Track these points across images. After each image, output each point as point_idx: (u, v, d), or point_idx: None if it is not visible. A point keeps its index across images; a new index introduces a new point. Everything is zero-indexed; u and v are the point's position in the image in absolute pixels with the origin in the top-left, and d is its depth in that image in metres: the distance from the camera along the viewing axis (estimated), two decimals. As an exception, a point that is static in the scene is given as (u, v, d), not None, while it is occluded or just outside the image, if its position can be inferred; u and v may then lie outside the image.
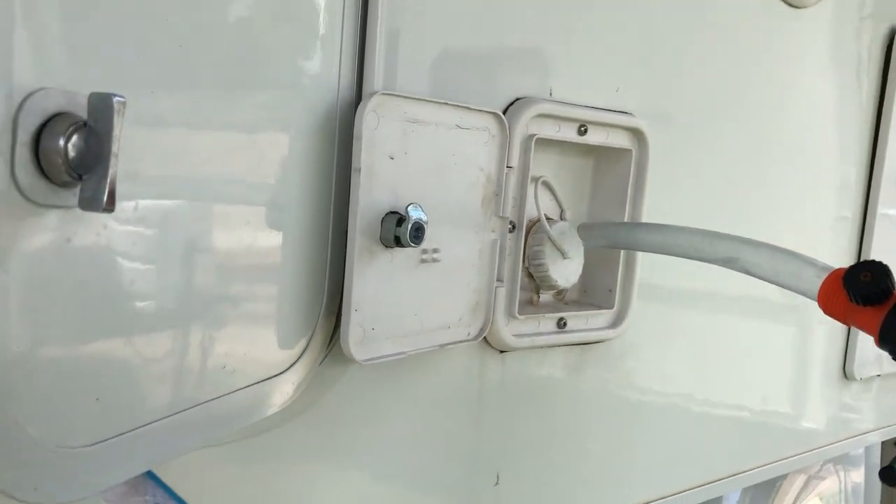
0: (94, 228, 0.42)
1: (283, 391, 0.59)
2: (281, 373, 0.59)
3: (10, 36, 0.37)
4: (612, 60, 0.84)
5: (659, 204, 0.87)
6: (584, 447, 0.88)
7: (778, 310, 1.15)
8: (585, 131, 0.81)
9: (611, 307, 0.86)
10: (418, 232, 0.63)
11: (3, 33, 0.36)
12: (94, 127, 0.38)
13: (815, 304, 1.19)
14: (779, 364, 1.18)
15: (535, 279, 0.81)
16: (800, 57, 1.10)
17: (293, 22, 0.57)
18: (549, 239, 0.79)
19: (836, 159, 1.20)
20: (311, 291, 0.62)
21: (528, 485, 0.82)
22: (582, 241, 0.80)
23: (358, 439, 0.69)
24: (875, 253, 1.25)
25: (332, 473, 0.68)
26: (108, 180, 0.38)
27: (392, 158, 0.63)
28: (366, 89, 0.63)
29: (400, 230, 0.62)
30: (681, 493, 1.02)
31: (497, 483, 0.79)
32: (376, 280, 0.64)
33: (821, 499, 1.59)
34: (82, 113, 0.39)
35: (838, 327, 1.25)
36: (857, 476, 1.71)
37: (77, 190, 0.39)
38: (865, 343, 1.26)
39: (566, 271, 0.81)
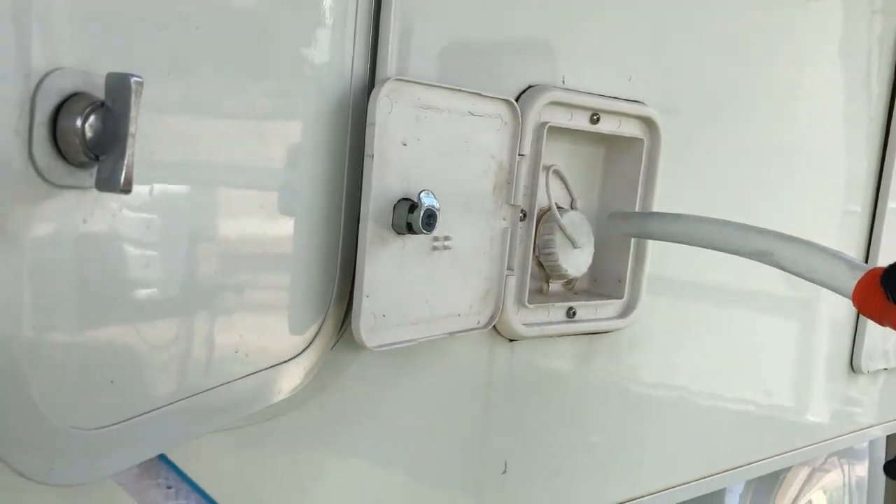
0: (109, 210, 0.42)
1: (294, 376, 0.59)
2: (292, 358, 0.59)
3: (27, 15, 0.37)
4: (624, 49, 0.83)
5: (669, 194, 0.87)
6: (591, 437, 0.88)
7: (785, 303, 1.15)
8: (598, 120, 0.80)
9: (620, 297, 0.85)
10: (430, 219, 0.62)
11: (21, 12, 0.36)
12: (111, 107, 0.38)
13: (823, 298, 1.19)
14: (785, 357, 1.18)
15: (544, 268, 0.81)
16: (811, 50, 1.09)
17: (306, 8, 0.57)
18: (560, 228, 0.79)
19: (846, 154, 1.19)
20: (322, 277, 0.62)
21: (536, 473, 0.82)
22: (613, 230, 0.79)
23: (367, 425, 0.69)
24: (885, 249, 1.24)
25: (341, 459, 0.68)
26: (126, 161, 0.38)
27: (405, 145, 0.63)
28: (379, 75, 0.63)
29: (412, 217, 0.62)
30: (685, 484, 1.02)
31: (505, 471, 0.79)
32: (388, 267, 0.63)
33: (825, 492, 1.60)
34: (99, 93, 0.38)
35: (846, 320, 1.25)
36: (861, 470, 1.71)
37: (94, 171, 0.39)
38: (873, 336, 1.26)
39: (576, 261, 0.81)
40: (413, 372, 0.72)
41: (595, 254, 0.83)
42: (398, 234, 0.63)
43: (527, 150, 0.74)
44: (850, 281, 0.63)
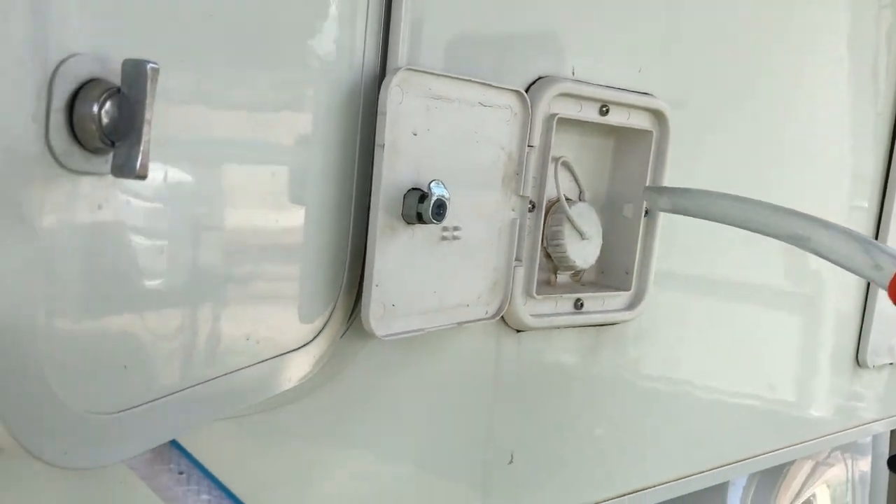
0: (124, 197, 0.42)
1: (304, 364, 0.59)
2: (302, 346, 0.59)
3: (45, 1, 0.37)
4: (634, 40, 0.83)
5: (682, 181, 0.87)
6: (597, 428, 0.88)
7: (791, 298, 1.15)
8: (607, 111, 0.80)
9: (628, 289, 0.85)
10: (440, 209, 0.63)
11: (38, -2, 0.36)
12: (127, 94, 0.38)
13: (829, 293, 1.19)
14: (791, 351, 1.18)
15: (552, 259, 0.81)
16: (818, 44, 1.09)
17: (319, -4, 0.57)
18: (568, 219, 0.79)
19: (853, 149, 1.19)
20: (332, 267, 0.62)
21: (542, 464, 0.83)
22: (647, 203, 0.78)
23: (375, 414, 0.70)
24: (892, 244, 1.24)
25: (348, 447, 0.69)
26: (142, 147, 0.38)
27: (415, 135, 0.63)
28: (390, 65, 0.63)
29: (422, 207, 0.62)
30: (689, 476, 1.02)
31: (511, 462, 0.80)
32: (397, 256, 0.64)
33: (828, 486, 1.60)
34: (115, 80, 0.39)
35: (852, 315, 1.25)
36: (865, 465, 1.71)
37: (109, 157, 0.39)
38: (879, 331, 1.26)
39: (584, 252, 0.81)
40: (421, 362, 0.72)
41: (603, 245, 0.83)
42: (408, 223, 0.63)
43: (536, 141, 0.74)
44: (889, 272, 0.63)
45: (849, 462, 1.67)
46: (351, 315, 0.65)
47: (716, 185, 0.95)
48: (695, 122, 0.90)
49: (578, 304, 0.82)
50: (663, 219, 0.86)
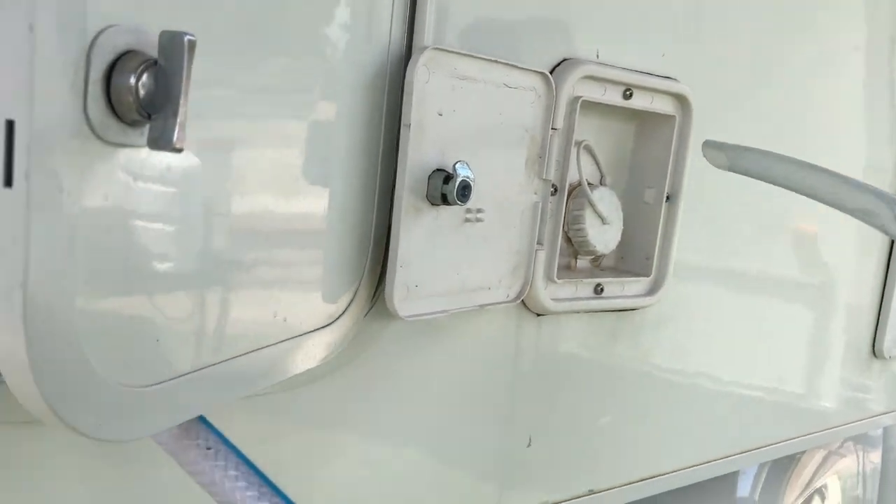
0: (159, 170, 0.42)
1: (329, 343, 0.59)
2: (327, 325, 0.59)
3: (82, -30, 0.36)
4: (658, 24, 0.83)
5: (700, 173, 0.86)
6: (613, 414, 0.88)
7: (808, 289, 1.14)
8: (630, 95, 0.80)
9: (648, 275, 0.85)
10: (465, 190, 0.62)
11: (76, -33, 0.36)
12: (164, 66, 0.38)
13: (846, 285, 1.19)
14: (806, 342, 1.18)
15: (573, 244, 0.81)
16: (840, 32, 1.08)
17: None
18: (590, 203, 0.78)
19: (869, 141, 1.18)
20: (356, 247, 0.62)
21: (560, 448, 0.83)
22: (706, 158, 0.76)
23: (395, 395, 0.70)
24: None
25: (368, 427, 0.69)
26: (178, 119, 0.38)
27: (441, 115, 0.63)
28: (416, 44, 0.63)
29: (447, 188, 0.62)
30: (701, 464, 1.02)
31: (529, 445, 0.80)
32: (421, 238, 0.64)
33: (839, 478, 1.60)
34: (152, 52, 0.38)
35: (869, 307, 1.25)
36: (876, 457, 1.71)
37: (145, 129, 0.39)
38: (896, 322, 1.25)
39: (605, 237, 0.81)
40: (442, 344, 0.72)
41: (623, 231, 0.83)
42: (432, 204, 0.63)
43: (560, 123, 0.73)
44: None
45: (860, 454, 1.67)
46: (374, 295, 0.65)
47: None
48: (717, 107, 0.89)
49: (598, 289, 0.81)
50: (682, 206, 0.86)
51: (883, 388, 1.35)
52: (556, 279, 0.76)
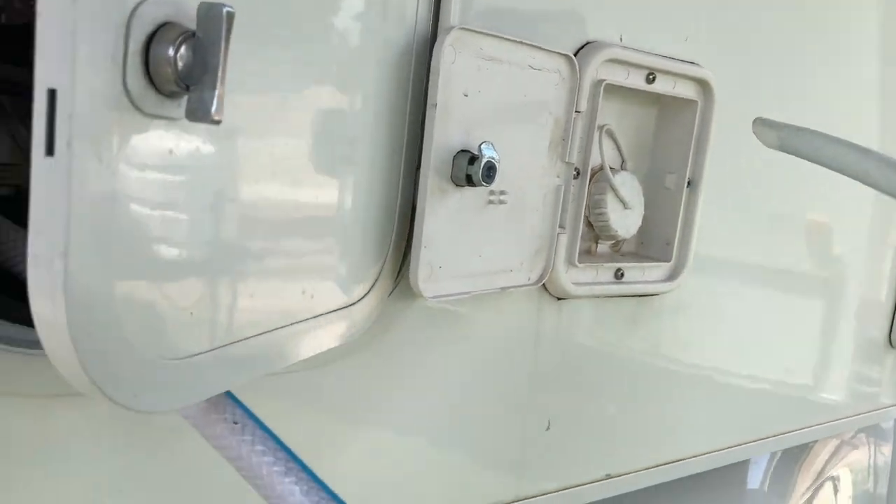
0: (195, 143, 0.42)
1: (354, 322, 0.60)
2: (353, 304, 0.59)
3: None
4: (681, 8, 0.82)
5: (722, 159, 0.86)
6: (631, 399, 0.89)
7: (824, 279, 1.14)
8: (654, 79, 0.79)
9: (668, 260, 0.85)
10: (490, 171, 0.62)
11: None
12: (202, 37, 0.38)
13: (860, 276, 1.18)
14: (823, 333, 1.17)
15: (594, 228, 0.81)
16: (864, 21, 1.07)
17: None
18: (612, 188, 0.78)
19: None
20: (381, 227, 0.62)
21: (578, 433, 0.83)
22: (756, 135, 0.74)
23: (415, 377, 0.70)
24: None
25: (388, 406, 0.69)
26: (217, 91, 0.38)
27: (466, 96, 0.63)
28: (442, 24, 0.62)
29: (472, 169, 0.62)
30: (716, 451, 1.02)
31: (548, 428, 0.80)
32: (445, 218, 0.64)
33: (851, 471, 1.59)
34: (190, 24, 0.38)
35: (885, 298, 1.24)
36: (887, 450, 1.71)
37: (182, 101, 0.39)
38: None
39: (626, 222, 0.80)
40: (462, 326, 0.72)
41: (643, 216, 0.83)
42: (457, 185, 0.63)
43: (583, 106, 0.73)
44: None
45: (872, 447, 1.67)
46: (397, 276, 0.65)
47: (762, 158, 0.95)
48: (740, 93, 0.89)
49: (619, 274, 0.81)
50: (703, 193, 0.85)
51: (897, 380, 1.34)
52: (577, 263, 0.76)
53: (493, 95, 0.65)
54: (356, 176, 0.59)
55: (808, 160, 0.72)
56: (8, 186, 0.74)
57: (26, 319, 0.51)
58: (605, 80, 0.74)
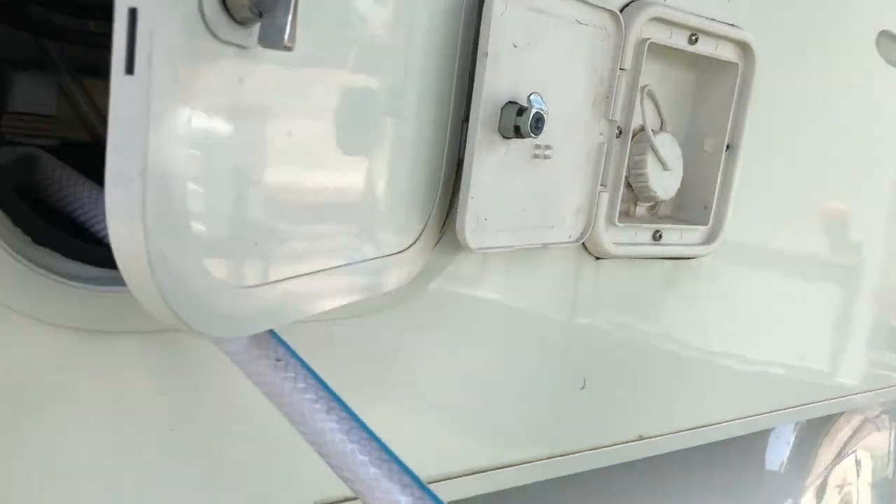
0: (263, 74, 0.42)
1: (400, 270, 0.60)
2: (400, 251, 0.60)
3: None
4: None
5: (761, 124, 0.86)
6: (664, 363, 0.89)
7: (856, 248, 1.13)
8: (696, 40, 0.79)
9: (705, 224, 0.85)
10: (539, 122, 0.62)
11: None
12: (276, -38, 0.38)
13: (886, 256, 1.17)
14: (854, 306, 1.17)
15: (633, 189, 0.81)
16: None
17: None
18: (652, 149, 0.78)
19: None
20: (428, 179, 0.62)
21: (612, 392, 0.83)
22: (878, 50, 0.72)
23: (455, 330, 0.70)
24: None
25: (426, 361, 0.70)
26: (289, 18, 0.38)
27: (515, 47, 0.63)
28: (492, -25, 0.62)
29: (520, 120, 0.62)
30: (742, 419, 1.02)
31: (583, 387, 0.80)
32: (492, 170, 0.64)
33: (872, 457, 1.59)
34: (264, -51, 0.39)
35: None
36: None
37: (255, 29, 0.40)
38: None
39: (665, 183, 0.80)
40: (503, 281, 0.72)
41: (682, 179, 0.83)
42: (504, 137, 0.63)
43: (627, 64, 0.73)
44: None
45: (893, 433, 1.66)
46: (442, 229, 0.65)
47: (798, 123, 0.94)
48: (781, 57, 0.88)
49: (657, 236, 0.81)
50: (742, 156, 0.85)
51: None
52: (616, 223, 0.76)
53: (541, 48, 0.65)
54: (404, 127, 0.59)
55: None
56: (53, 139, 0.74)
57: (85, 256, 0.52)
58: (649, 38, 0.74)
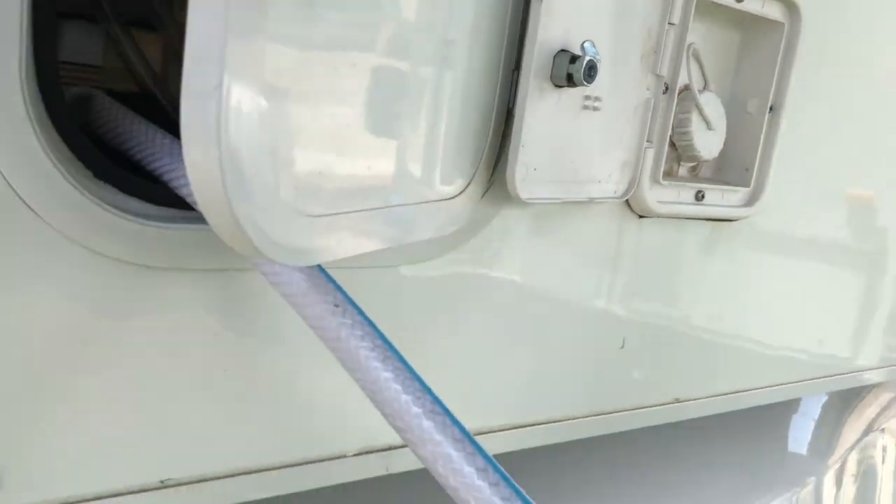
0: (339, 24, 0.42)
1: (450, 215, 0.60)
2: (451, 198, 0.60)
3: None
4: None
5: (807, 85, 0.85)
6: (703, 325, 0.88)
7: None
8: (743, -3, 0.78)
9: (747, 186, 0.84)
10: (591, 70, 0.62)
11: None
12: None
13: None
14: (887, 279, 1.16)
15: (675, 148, 0.80)
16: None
17: None
18: (697, 107, 0.77)
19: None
20: (478, 126, 0.62)
21: (651, 353, 0.83)
22: None
23: (498, 284, 0.70)
24: None
25: (469, 313, 0.69)
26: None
27: (568, -5, 0.62)
28: (546, -79, 0.62)
29: (573, 67, 0.62)
30: (776, 386, 1.02)
31: (623, 346, 0.80)
32: (542, 120, 0.63)
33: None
34: None
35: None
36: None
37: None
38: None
39: (709, 143, 0.80)
40: (547, 236, 0.72)
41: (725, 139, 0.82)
42: (556, 86, 0.63)
43: (676, 19, 0.72)
44: None
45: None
46: (490, 178, 0.65)
47: (844, 84, 0.93)
48: (827, 17, 0.87)
49: (699, 196, 0.81)
50: (785, 118, 0.84)
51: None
52: (661, 181, 0.76)
53: (593, -2, 0.64)
54: (455, 75, 0.59)
55: None
56: (100, 89, 0.74)
57: (142, 193, 0.53)
58: (698, -7, 0.73)
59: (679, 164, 0.81)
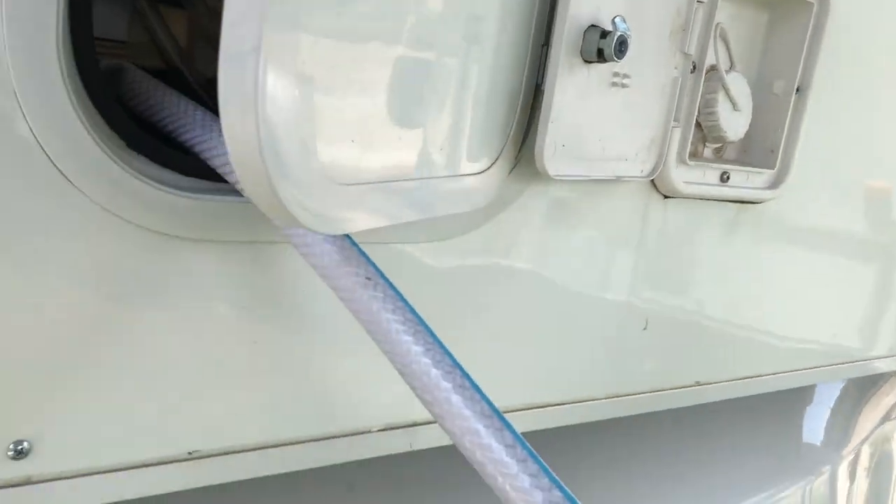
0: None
1: (478, 190, 0.60)
2: (479, 173, 0.59)
3: None
4: None
5: (834, 67, 0.84)
6: (725, 307, 0.88)
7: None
8: (773, -24, 0.77)
9: (772, 168, 0.84)
10: (622, 46, 0.61)
11: None
12: None
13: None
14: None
15: (701, 128, 0.79)
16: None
17: None
18: (724, 87, 0.77)
19: None
20: (506, 103, 0.61)
21: (674, 335, 0.83)
22: None
23: (523, 261, 0.70)
24: None
25: (494, 290, 0.69)
26: None
27: (599, -30, 0.61)
28: None
29: (604, 42, 0.61)
30: (791, 371, 1.01)
31: (646, 328, 0.80)
32: (571, 96, 0.63)
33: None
34: None
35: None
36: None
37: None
38: None
39: (735, 123, 0.79)
40: (572, 214, 0.72)
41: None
42: (586, 61, 0.62)
43: (705, -3, 0.72)
44: None
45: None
46: (517, 155, 0.64)
47: (873, 67, 0.92)
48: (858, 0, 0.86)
49: (725, 177, 0.80)
50: (811, 100, 0.83)
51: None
52: (687, 161, 0.75)
53: (623, -27, 0.64)
54: (484, 50, 0.58)
55: None
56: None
57: (174, 164, 0.53)
58: (727, -30, 0.72)
59: (704, 145, 0.81)
